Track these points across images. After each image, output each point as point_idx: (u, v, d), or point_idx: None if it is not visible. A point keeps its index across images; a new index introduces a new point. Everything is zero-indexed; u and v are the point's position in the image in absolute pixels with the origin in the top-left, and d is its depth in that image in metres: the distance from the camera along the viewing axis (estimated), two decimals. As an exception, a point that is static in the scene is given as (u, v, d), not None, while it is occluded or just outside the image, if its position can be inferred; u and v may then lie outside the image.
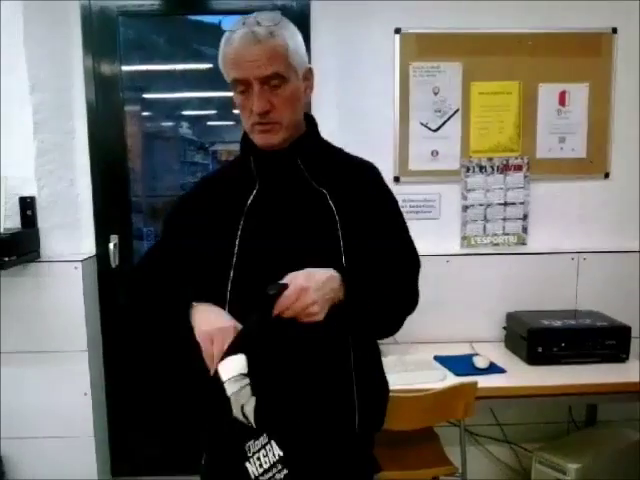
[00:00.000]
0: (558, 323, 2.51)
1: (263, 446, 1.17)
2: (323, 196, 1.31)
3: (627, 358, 2.46)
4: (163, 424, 2.90)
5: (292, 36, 1.28)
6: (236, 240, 1.28)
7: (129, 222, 2.87)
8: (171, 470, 2.91)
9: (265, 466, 1.16)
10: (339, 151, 1.45)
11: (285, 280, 1.15)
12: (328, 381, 1.29)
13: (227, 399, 1.14)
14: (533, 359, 2.45)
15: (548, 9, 2.66)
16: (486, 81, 2.72)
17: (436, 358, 2.50)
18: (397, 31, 2.66)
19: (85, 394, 2.63)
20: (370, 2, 2.60)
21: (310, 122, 1.40)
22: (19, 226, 2.52)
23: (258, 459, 1.16)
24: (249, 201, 1.32)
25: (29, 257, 2.50)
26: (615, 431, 2.71)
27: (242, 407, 1.14)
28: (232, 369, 1.15)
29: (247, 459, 1.16)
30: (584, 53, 2.70)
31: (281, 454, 1.16)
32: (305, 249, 1.27)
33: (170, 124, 4.11)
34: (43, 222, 2.58)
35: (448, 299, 2.71)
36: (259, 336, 1.16)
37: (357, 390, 1.31)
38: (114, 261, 2.76)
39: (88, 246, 2.76)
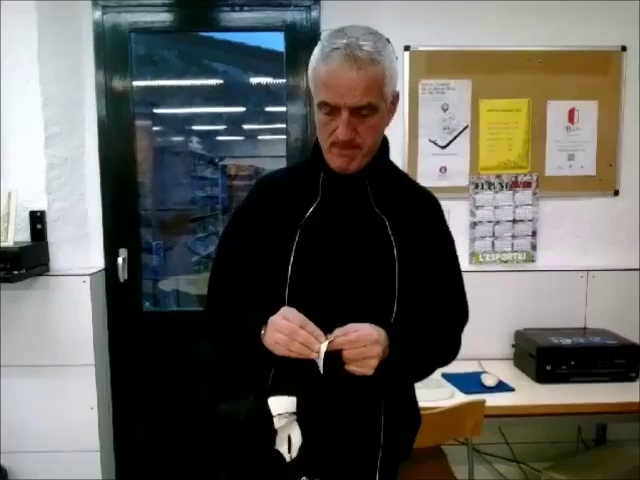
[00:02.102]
0: (567, 341, 2.50)
1: None
2: (383, 223, 1.28)
3: (637, 377, 2.44)
4: (169, 439, 2.89)
5: (391, 62, 1.21)
6: (290, 256, 1.26)
7: (138, 236, 2.88)
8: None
9: None
10: (404, 177, 1.43)
11: (352, 328, 1.17)
12: (357, 418, 1.29)
13: (273, 431, 1.22)
14: (542, 377, 2.44)
15: (557, 27, 2.67)
16: (495, 98, 2.73)
17: (444, 376, 2.48)
18: (406, 48, 2.67)
19: (91, 408, 2.62)
20: (379, 19, 2.61)
21: (383, 143, 1.34)
22: (29, 240, 2.53)
23: None
24: (307, 214, 1.29)
25: (38, 270, 2.50)
26: (625, 451, 2.68)
27: (289, 438, 1.23)
28: (283, 407, 1.22)
29: None
30: (593, 71, 2.70)
31: None
32: (359, 275, 1.26)
33: (180, 139, 4.15)
34: (53, 236, 2.59)
35: (456, 316, 2.69)
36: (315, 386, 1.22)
37: (384, 425, 1.31)
38: (122, 275, 2.76)
39: (97, 260, 2.76)
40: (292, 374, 1.23)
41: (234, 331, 1.34)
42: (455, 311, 1.41)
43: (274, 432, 1.22)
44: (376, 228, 1.28)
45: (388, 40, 1.22)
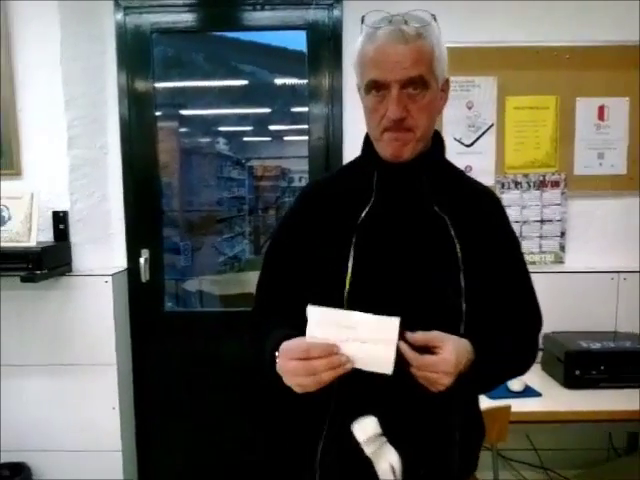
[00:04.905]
0: (597, 345, 2.42)
1: None
2: (443, 222, 1.21)
3: (670, 383, 2.35)
4: (192, 439, 2.89)
5: (438, 41, 1.17)
6: (349, 262, 1.19)
7: (160, 236, 2.87)
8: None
9: None
10: (461, 174, 1.36)
11: (438, 339, 1.10)
12: (431, 428, 1.22)
13: (365, 459, 1.13)
14: (570, 383, 2.37)
15: (586, 21, 2.60)
16: (522, 95, 2.66)
17: (469, 380, 2.42)
18: (430, 45, 2.62)
19: (113, 408, 2.62)
20: (403, 16, 2.57)
21: (437, 139, 1.29)
22: (52, 240, 2.55)
23: None
24: (362, 215, 1.22)
25: (61, 270, 2.52)
26: (658, 460, 2.60)
27: (392, 467, 1.13)
28: (369, 430, 1.13)
29: None
30: (624, 66, 2.61)
31: None
32: (423, 279, 1.19)
33: (207, 140, 4.16)
34: (75, 236, 2.60)
35: (482, 318, 2.63)
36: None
37: (459, 441, 1.25)
38: (145, 275, 2.77)
39: (119, 260, 2.77)
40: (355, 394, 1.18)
41: (259, 351, 1.26)
42: (530, 315, 1.35)
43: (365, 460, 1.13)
44: (437, 228, 1.21)
45: (435, 17, 1.17)
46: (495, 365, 1.22)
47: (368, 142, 1.27)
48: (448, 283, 1.19)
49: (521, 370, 1.36)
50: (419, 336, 1.09)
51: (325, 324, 1.07)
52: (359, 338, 1.06)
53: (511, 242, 1.34)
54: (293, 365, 1.07)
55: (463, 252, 1.19)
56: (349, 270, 1.18)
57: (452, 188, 1.28)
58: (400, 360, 1.08)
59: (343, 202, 1.26)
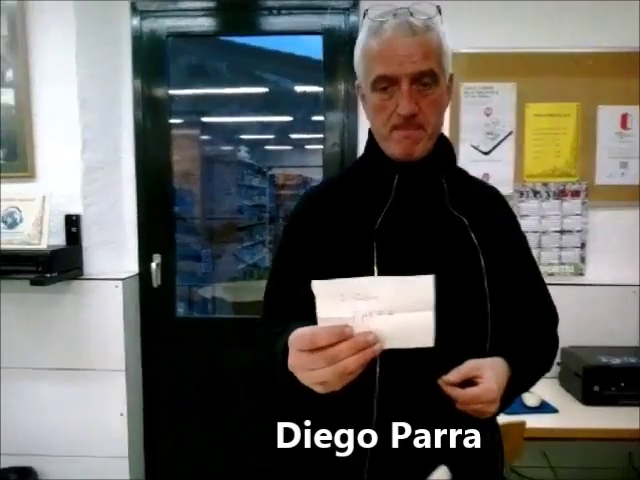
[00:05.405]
0: (617, 361, 2.34)
1: None
2: (462, 224, 1.17)
3: (693, 402, 2.26)
4: (200, 447, 2.86)
5: (444, 35, 1.13)
6: (374, 266, 1.11)
7: (173, 242, 2.86)
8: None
9: None
10: (466, 174, 1.32)
11: (474, 370, 1.07)
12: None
13: None
14: (589, 399, 2.29)
15: (609, 27, 2.53)
16: (542, 102, 2.60)
17: (483, 393, 2.35)
18: (448, 51, 2.58)
19: (121, 414, 2.60)
20: (420, 21, 2.53)
21: (441, 138, 1.24)
22: (64, 243, 2.55)
23: None
24: (380, 218, 1.16)
25: (72, 274, 2.51)
26: (681, 481, 2.50)
27: None
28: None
29: None
30: (648, 73, 2.54)
31: None
32: (449, 283, 1.11)
33: (229, 148, 4.16)
34: (87, 240, 2.60)
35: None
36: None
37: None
38: (156, 281, 2.75)
39: (131, 265, 2.76)
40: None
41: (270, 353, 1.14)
42: (549, 313, 1.36)
43: None
44: (456, 229, 1.18)
45: (439, 10, 1.13)
46: (530, 373, 1.23)
47: (373, 142, 1.23)
48: (474, 286, 1.16)
49: (548, 368, 1.33)
50: (454, 376, 1.06)
51: (337, 300, 0.84)
52: (385, 309, 0.85)
53: (521, 241, 1.33)
54: (303, 358, 0.88)
55: (484, 254, 1.17)
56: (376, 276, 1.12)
57: (464, 188, 1.25)
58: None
59: (354, 205, 1.21)
